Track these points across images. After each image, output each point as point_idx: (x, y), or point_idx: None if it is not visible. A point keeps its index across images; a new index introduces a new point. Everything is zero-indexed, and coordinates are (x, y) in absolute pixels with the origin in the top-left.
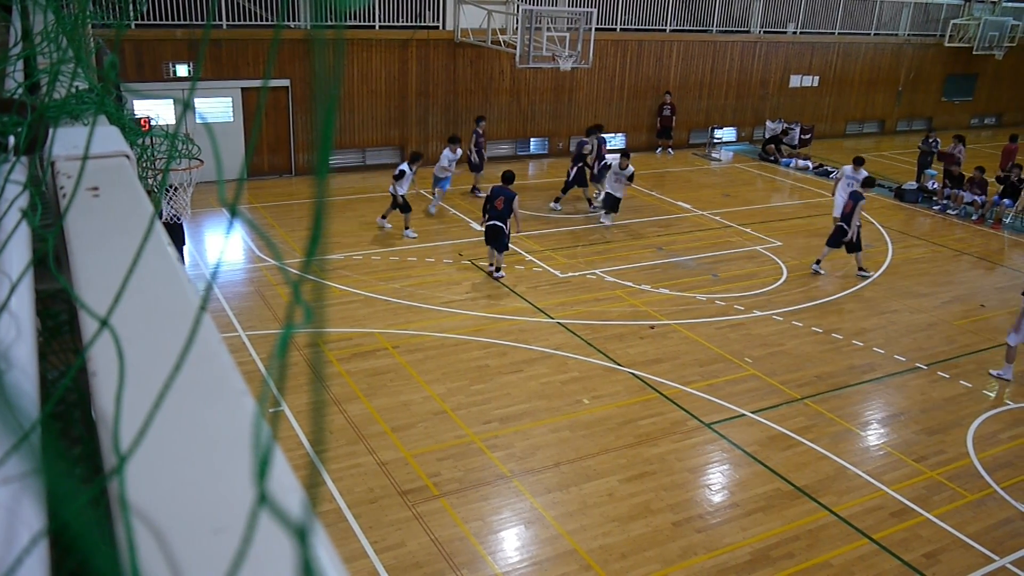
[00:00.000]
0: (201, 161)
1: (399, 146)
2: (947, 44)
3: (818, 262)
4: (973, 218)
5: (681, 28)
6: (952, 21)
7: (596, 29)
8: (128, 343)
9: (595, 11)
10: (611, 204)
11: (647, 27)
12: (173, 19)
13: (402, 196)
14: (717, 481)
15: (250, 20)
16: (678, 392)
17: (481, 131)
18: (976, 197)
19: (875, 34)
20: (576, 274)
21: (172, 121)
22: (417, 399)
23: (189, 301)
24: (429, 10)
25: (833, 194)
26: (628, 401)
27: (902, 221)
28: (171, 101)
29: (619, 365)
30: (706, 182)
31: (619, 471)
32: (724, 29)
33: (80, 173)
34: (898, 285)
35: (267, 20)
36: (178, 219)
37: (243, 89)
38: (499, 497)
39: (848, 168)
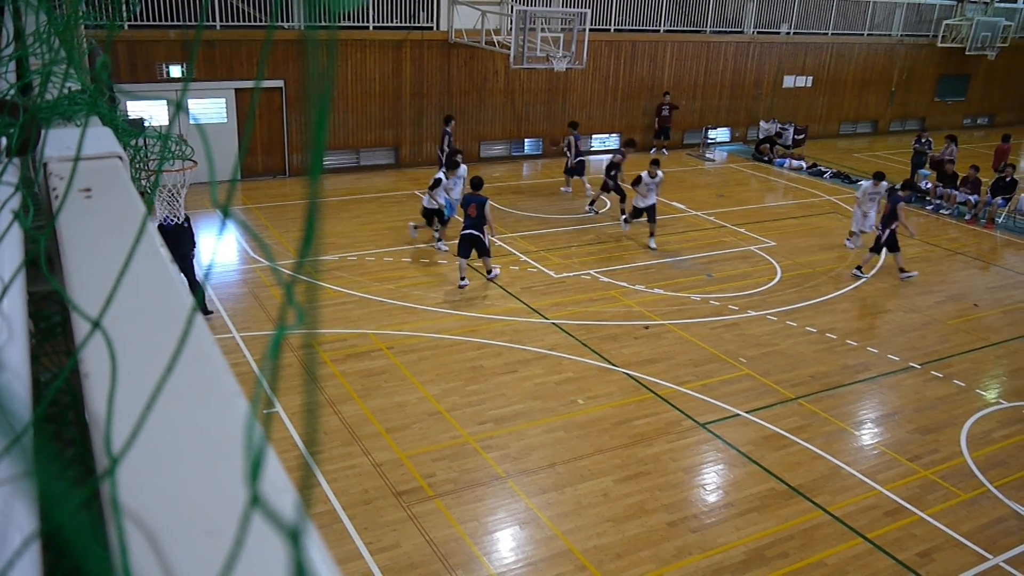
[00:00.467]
0: (195, 162)
1: (393, 147)
2: (940, 44)
3: (859, 268)
4: (966, 218)
5: (675, 29)
6: (945, 22)
7: (590, 30)
8: (121, 345)
9: (589, 12)
10: (639, 214)
11: (641, 28)
12: (166, 20)
13: (437, 206)
14: (712, 481)
15: (243, 21)
16: (672, 392)
17: (450, 130)
18: (969, 197)
19: (868, 34)
20: (571, 275)
21: (165, 122)
22: (412, 400)
23: (182, 302)
24: (423, 11)
25: (858, 207)
26: (623, 401)
27: None
28: (164, 102)
29: (614, 365)
30: (700, 182)
31: (614, 471)
32: (718, 30)
33: (72, 174)
34: (892, 285)
35: (260, 21)
36: (187, 222)
37: (236, 90)
38: (494, 498)
39: (868, 183)
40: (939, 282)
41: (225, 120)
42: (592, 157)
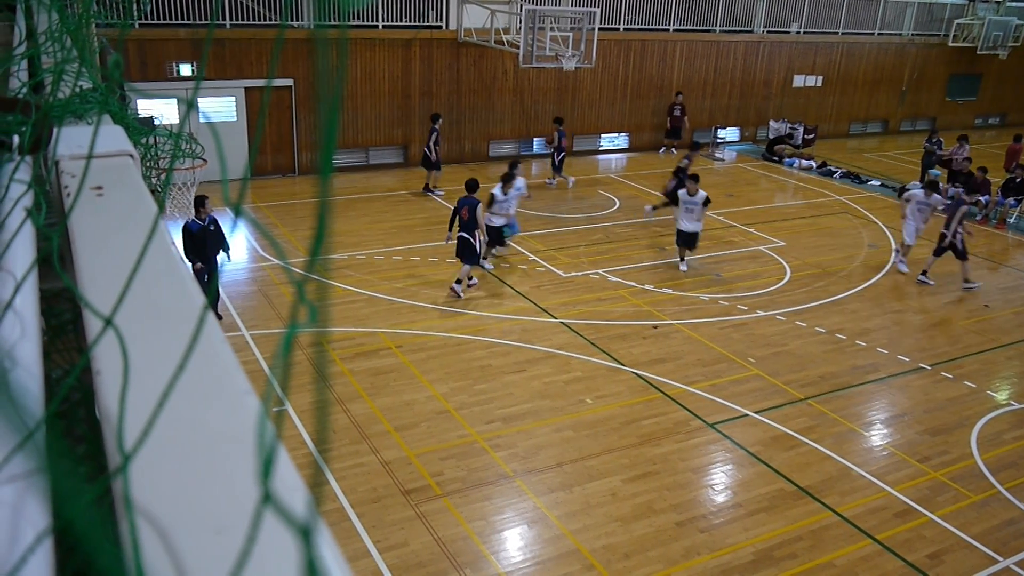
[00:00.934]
0: (205, 160)
1: (402, 145)
2: (951, 44)
3: (924, 272)
4: (977, 218)
5: (684, 28)
6: (956, 21)
7: (599, 29)
8: (132, 342)
9: (598, 11)
10: (685, 241)
11: (650, 27)
12: (177, 19)
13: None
14: (720, 481)
15: (254, 20)
16: (681, 392)
17: (438, 128)
18: (980, 197)
19: (879, 34)
20: (579, 274)
21: (176, 120)
22: (420, 399)
23: (193, 300)
24: (432, 10)
25: (903, 218)
26: (631, 401)
27: None
28: (175, 100)
29: (622, 365)
30: (709, 182)
31: (622, 471)
32: (727, 29)
33: (84, 172)
34: (901, 285)
35: (271, 20)
36: (215, 224)
37: (247, 88)
38: (502, 497)
39: (920, 193)
40: (949, 282)
41: (235, 119)
42: (599, 156)
